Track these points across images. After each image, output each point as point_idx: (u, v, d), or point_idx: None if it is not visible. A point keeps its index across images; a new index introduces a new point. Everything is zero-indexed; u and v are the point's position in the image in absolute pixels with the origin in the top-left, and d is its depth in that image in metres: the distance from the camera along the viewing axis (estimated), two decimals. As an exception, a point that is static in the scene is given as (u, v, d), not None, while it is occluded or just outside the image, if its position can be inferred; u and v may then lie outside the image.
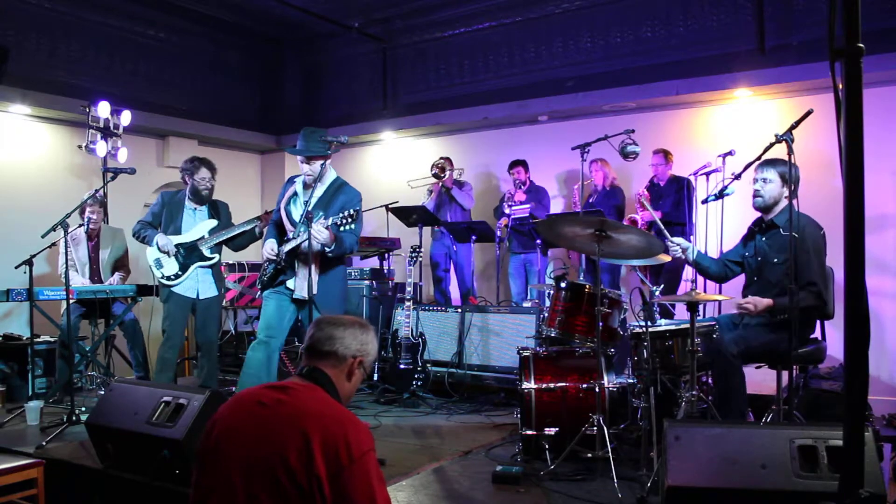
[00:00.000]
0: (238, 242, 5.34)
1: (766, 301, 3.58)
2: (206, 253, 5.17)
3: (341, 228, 4.09)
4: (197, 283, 5.19)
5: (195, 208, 5.27)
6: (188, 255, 5.14)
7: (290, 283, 4.32)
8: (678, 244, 3.94)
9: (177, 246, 5.11)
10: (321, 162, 4.27)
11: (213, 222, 5.27)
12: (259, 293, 4.56)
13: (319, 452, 1.74)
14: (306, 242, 4.09)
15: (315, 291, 4.13)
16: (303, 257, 4.20)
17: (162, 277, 5.13)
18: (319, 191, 4.32)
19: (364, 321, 2.18)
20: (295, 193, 4.43)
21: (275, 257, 4.31)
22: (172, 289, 5.14)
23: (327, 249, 4.17)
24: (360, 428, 1.84)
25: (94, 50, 7.15)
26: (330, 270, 4.32)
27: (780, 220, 3.71)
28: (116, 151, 6.64)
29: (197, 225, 5.24)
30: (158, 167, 7.93)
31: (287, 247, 4.26)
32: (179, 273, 5.12)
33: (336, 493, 1.73)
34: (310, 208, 4.22)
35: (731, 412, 3.52)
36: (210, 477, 1.87)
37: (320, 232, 4.06)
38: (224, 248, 5.39)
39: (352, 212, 4.04)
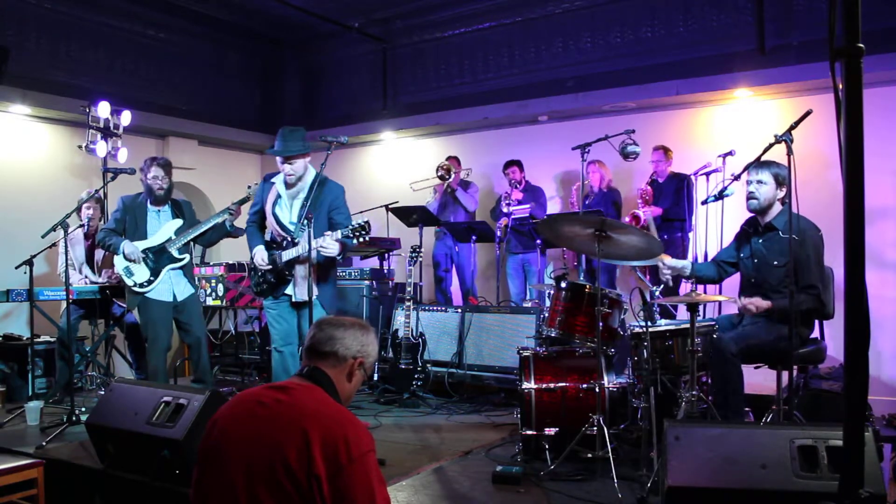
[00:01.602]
0: (208, 238, 5.22)
1: (766, 303, 3.60)
2: (176, 254, 5.03)
3: (354, 242, 4.16)
4: (171, 286, 5.04)
5: (158, 210, 5.11)
6: (158, 258, 5.00)
7: (287, 290, 4.36)
8: (672, 266, 3.91)
9: (145, 251, 4.97)
10: (302, 161, 4.29)
11: (179, 222, 5.12)
12: (256, 298, 4.54)
13: (319, 452, 1.74)
14: (305, 249, 4.11)
15: (316, 293, 4.18)
16: (302, 262, 4.22)
17: (134, 285, 4.96)
18: (305, 191, 4.34)
19: (365, 322, 2.19)
20: (279, 195, 4.40)
21: (268, 266, 4.32)
22: (147, 295, 4.98)
23: (338, 258, 4.28)
24: (360, 428, 1.84)
25: (94, 50, 7.14)
26: (325, 272, 4.37)
27: (779, 222, 3.70)
28: (116, 151, 6.63)
29: (162, 227, 5.09)
30: (158, 167, 7.92)
31: (289, 256, 4.26)
32: (151, 279, 4.97)
33: (335, 492, 1.73)
34: (304, 210, 4.24)
35: (729, 410, 3.52)
36: (210, 477, 1.87)
37: (331, 245, 4.10)
38: (208, 248, 5.33)
39: (363, 223, 4.09)
